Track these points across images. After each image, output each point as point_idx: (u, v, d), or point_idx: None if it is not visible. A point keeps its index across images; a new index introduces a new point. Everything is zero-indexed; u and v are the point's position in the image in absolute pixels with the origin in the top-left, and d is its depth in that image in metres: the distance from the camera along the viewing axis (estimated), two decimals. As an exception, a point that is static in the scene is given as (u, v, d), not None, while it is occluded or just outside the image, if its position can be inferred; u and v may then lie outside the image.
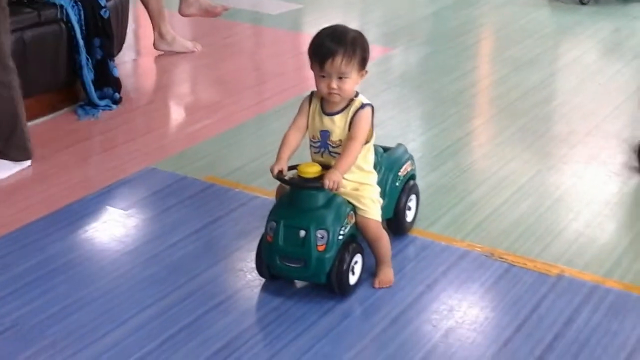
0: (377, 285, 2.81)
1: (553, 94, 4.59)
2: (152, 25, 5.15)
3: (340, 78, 2.65)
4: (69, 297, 2.76)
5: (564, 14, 6.00)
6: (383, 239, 2.81)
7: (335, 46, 2.63)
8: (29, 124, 3.82)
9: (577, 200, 3.41)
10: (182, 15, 5.15)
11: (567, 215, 3.29)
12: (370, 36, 5.38)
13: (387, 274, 2.83)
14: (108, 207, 3.37)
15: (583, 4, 6.14)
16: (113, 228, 3.21)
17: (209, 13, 5.16)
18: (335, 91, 2.66)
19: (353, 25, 2.87)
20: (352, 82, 2.68)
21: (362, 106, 2.72)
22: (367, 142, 2.75)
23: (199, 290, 2.79)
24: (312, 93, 2.80)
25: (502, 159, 3.77)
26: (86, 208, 3.35)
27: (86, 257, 3.01)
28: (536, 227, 3.19)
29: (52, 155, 3.81)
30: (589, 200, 3.41)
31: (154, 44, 5.18)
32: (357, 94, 2.74)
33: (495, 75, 4.84)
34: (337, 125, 2.72)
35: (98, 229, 3.21)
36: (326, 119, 2.74)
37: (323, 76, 2.66)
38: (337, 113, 2.73)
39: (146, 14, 5.16)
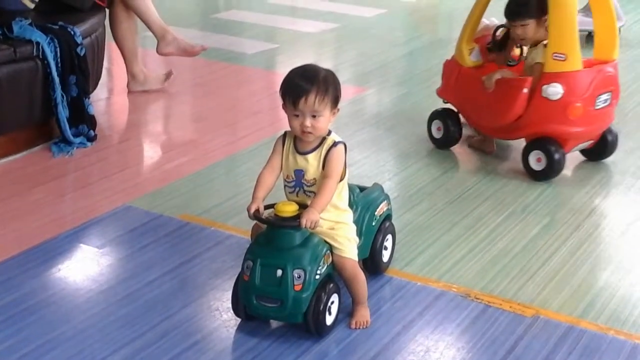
0: (353, 326, 2.80)
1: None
2: (125, 65, 5.15)
3: (313, 116, 2.67)
4: (42, 337, 2.73)
5: (536, 57, 6.08)
6: (359, 278, 2.81)
7: (308, 85, 2.65)
8: (3, 161, 3.79)
9: (551, 241, 3.43)
10: (160, 54, 5.16)
11: (541, 256, 3.31)
12: (344, 76, 5.48)
13: (363, 314, 2.83)
14: (82, 245, 3.35)
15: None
16: (87, 266, 3.19)
17: (187, 52, 5.17)
18: (308, 129, 2.67)
19: (327, 65, 2.91)
20: (326, 121, 2.70)
21: (335, 144, 2.73)
22: (341, 179, 2.76)
23: (175, 330, 2.77)
24: (286, 133, 2.81)
25: (477, 198, 3.79)
26: (60, 246, 3.33)
27: (60, 296, 2.98)
28: (511, 267, 3.21)
29: (25, 193, 3.78)
30: (563, 241, 3.43)
31: (127, 86, 5.18)
32: (329, 132, 2.76)
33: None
34: (310, 164, 2.73)
35: (72, 268, 3.19)
36: (300, 158, 2.75)
37: (297, 115, 2.68)
38: (311, 152, 2.74)
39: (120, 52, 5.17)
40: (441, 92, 4.44)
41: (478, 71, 4.18)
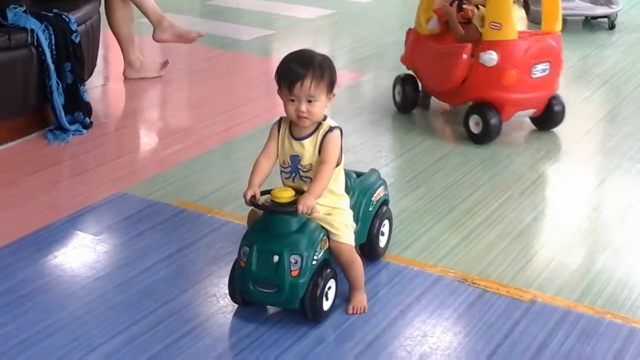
0: (350, 311, 2.80)
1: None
2: (122, 52, 5.14)
3: (309, 101, 2.66)
4: (39, 324, 2.72)
5: (533, 42, 6.07)
6: (356, 263, 2.81)
7: (303, 70, 2.64)
8: (-1, 148, 3.79)
9: (548, 225, 3.43)
10: (156, 40, 5.14)
11: (538, 240, 3.31)
12: (340, 62, 5.47)
13: (360, 299, 2.83)
14: (78, 233, 3.34)
15: (551, 31, 6.21)
16: (84, 254, 3.18)
17: (183, 39, 5.16)
18: (304, 115, 2.66)
19: (324, 51, 2.89)
20: (321, 105, 2.69)
21: (331, 129, 2.72)
22: (337, 165, 2.75)
23: (172, 316, 2.77)
24: (281, 118, 2.80)
25: (474, 184, 3.79)
26: (56, 233, 3.32)
27: (56, 283, 2.98)
28: (508, 252, 3.21)
29: (21, 180, 3.77)
30: (560, 225, 3.43)
31: (123, 73, 5.17)
32: (325, 117, 2.75)
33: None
34: (306, 149, 2.73)
35: (68, 255, 3.18)
36: (296, 144, 2.74)
37: (292, 100, 2.67)
38: (306, 137, 2.73)
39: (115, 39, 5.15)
40: (403, 59, 4.67)
41: (433, 39, 4.41)
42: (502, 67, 4.08)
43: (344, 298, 2.83)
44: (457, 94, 4.30)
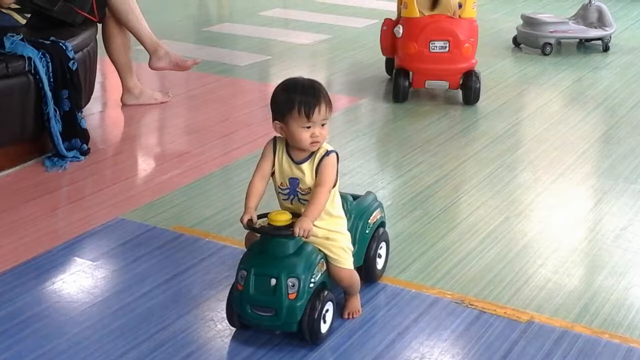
0: (346, 316, 2.85)
1: (519, 142, 4.65)
2: (120, 79, 5.16)
3: (322, 125, 2.71)
4: (36, 350, 2.73)
5: (527, 64, 6.10)
6: (355, 283, 2.86)
7: (316, 97, 2.69)
8: (-4, 175, 3.80)
9: (545, 246, 3.44)
10: (152, 68, 5.16)
11: (535, 261, 3.31)
12: (337, 86, 5.50)
13: (354, 303, 2.88)
14: (76, 259, 3.35)
15: (545, 54, 6.25)
16: (81, 279, 3.18)
17: (179, 67, 5.18)
18: (318, 139, 2.70)
19: (321, 75, 2.93)
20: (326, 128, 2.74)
21: (327, 153, 2.75)
22: (333, 187, 2.77)
23: (170, 341, 2.77)
24: (276, 138, 2.82)
25: (471, 205, 3.80)
26: (54, 260, 3.32)
27: (54, 309, 2.98)
28: (505, 273, 3.22)
29: (19, 207, 3.78)
30: (557, 246, 3.44)
31: (121, 99, 5.19)
32: None
33: (462, 124, 4.90)
34: (305, 173, 2.74)
35: (66, 281, 3.18)
36: (295, 167, 2.76)
37: (308, 127, 2.69)
38: (304, 161, 2.75)
39: (113, 66, 5.18)
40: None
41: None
42: (404, 39, 5.11)
43: (342, 321, 2.83)
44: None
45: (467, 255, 3.34)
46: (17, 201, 3.84)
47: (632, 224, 3.65)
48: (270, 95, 2.77)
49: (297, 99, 2.69)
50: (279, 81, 2.79)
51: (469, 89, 5.11)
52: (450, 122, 4.91)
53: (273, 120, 2.75)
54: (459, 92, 5.22)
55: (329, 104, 2.72)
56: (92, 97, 4.92)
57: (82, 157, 4.32)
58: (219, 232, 3.52)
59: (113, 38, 5.07)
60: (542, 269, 3.25)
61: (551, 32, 6.30)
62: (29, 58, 4.14)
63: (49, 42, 4.30)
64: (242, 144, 4.57)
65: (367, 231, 3.02)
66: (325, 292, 2.72)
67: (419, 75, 5.15)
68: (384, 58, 5.64)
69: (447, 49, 5.03)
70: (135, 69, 5.23)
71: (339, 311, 2.86)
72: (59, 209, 3.83)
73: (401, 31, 5.09)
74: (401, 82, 5.16)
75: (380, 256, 3.11)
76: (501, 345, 2.75)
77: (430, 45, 5.03)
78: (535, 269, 3.26)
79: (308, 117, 2.67)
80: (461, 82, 5.13)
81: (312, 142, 2.70)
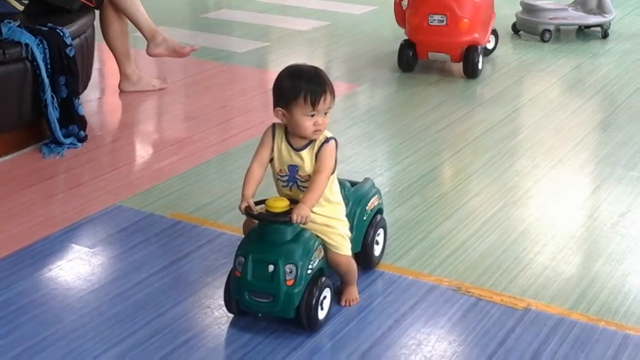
0: (343, 304, 2.86)
1: (517, 129, 4.65)
2: (118, 66, 5.15)
3: (325, 114, 2.70)
4: (34, 337, 2.73)
5: (527, 51, 6.09)
6: (353, 270, 2.87)
7: (322, 85, 2.69)
8: (-6, 162, 3.80)
9: (543, 233, 3.44)
10: (150, 55, 5.15)
11: (532, 248, 3.31)
12: (335, 73, 5.49)
13: (352, 291, 2.89)
14: (73, 245, 3.34)
15: (544, 41, 6.24)
16: (78, 266, 3.18)
17: (177, 53, 5.16)
18: (320, 127, 2.70)
19: (320, 62, 2.92)
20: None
21: (327, 140, 2.74)
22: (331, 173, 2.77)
23: (166, 328, 2.77)
24: (275, 125, 2.81)
25: (468, 193, 3.80)
26: (51, 246, 3.32)
27: (51, 296, 2.98)
28: (502, 260, 3.22)
29: (16, 194, 3.78)
30: (554, 233, 3.44)
31: (119, 85, 5.18)
32: None
33: (461, 110, 4.89)
34: (304, 160, 2.74)
35: (63, 268, 3.18)
36: (295, 155, 2.75)
37: (312, 115, 2.68)
38: (304, 148, 2.75)
39: (111, 53, 5.16)
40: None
41: None
42: (408, 11, 5.46)
43: (339, 307, 2.84)
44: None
45: (464, 243, 3.34)
46: (14, 188, 3.84)
47: (630, 210, 3.64)
48: (273, 81, 2.76)
49: (303, 87, 2.67)
50: (278, 68, 2.78)
51: (467, 62, 5.34)
52: (448, 109, 4.90)
53: (275, 107, 2.74)
54: (460, 83, 5.23)
55: (332, 93, 2.71)
56: (90, 83, 4.91)
57: (80, 144, 4.31)
58: (216, 219, 3.52)
59: (110, 24, 5.06)
60: (540, 256, 3.25)
61: (550, 18, 6.28)
62: (27, 44, 4.13)
63: (47, 28, 4.28)
64: (240, 131, 4.56)
65: (364, 218, 3.02)
66: (323, 279, 2.73)
67: (420, 46, 5.43)
68: (382, 45, 5.71)
69: (445, 22, 5.29)
70: (133, 55, 5.22)
71: (337, 298, 2.86)
72: (56, 196, 3.83)
73: (406, 3, 5.49)
74: (405, 52, 5.46)
75: (377, 243, 3.11)
76: (498, 333, 2.76)
77: (429, 18, 5.32)
78: (533, 256, 3.26)
79: (314, 105, 2.66)
80: (463, 55, 5.36)
81: (314, 131, 2.70)
